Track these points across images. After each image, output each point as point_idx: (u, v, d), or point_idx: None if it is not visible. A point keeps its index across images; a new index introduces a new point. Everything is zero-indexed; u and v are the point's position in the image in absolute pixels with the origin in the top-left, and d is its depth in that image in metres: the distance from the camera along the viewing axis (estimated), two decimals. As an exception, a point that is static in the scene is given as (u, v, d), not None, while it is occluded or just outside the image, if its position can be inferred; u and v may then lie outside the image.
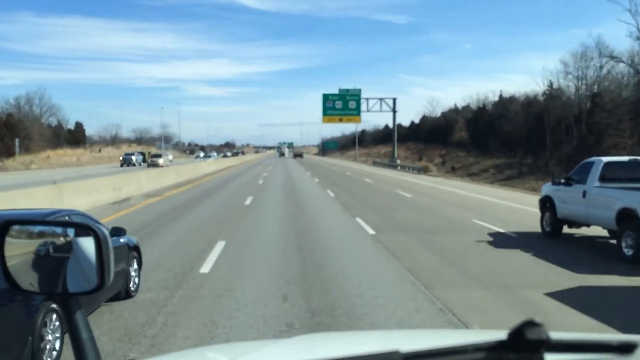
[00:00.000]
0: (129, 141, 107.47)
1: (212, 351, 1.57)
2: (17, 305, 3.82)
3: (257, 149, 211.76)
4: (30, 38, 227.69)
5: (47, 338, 4.03)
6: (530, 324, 0.83)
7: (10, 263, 1.22)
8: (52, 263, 1.25)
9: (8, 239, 1.22)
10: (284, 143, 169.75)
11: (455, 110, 77.56)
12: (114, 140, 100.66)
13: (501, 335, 0.85)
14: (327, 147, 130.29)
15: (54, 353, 4.13)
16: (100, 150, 77.60)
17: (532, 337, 0.82)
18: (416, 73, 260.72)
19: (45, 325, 4.02)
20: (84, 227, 1.20)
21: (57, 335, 4.16)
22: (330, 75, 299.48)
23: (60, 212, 5.21)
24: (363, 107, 57.60)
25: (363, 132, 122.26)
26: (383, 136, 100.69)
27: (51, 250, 1.25)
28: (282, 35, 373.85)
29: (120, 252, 5.96)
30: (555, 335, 0.85)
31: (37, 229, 1.31)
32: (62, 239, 1.25)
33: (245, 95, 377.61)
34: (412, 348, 0.87)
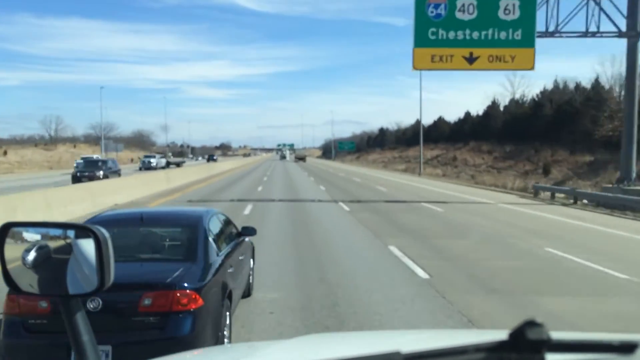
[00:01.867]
0: (81, 141, 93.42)
1: (215, 352, 1.78)
2: (216, 304, 4.59)
3: (248, 152, 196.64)
4: (29, 39, 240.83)
5: (224, 333, 4.77)
6: (531, 324, 0.91)
7: (10, 265, 1.36)
8: (52, 265, 1.40)
9: (8, 241, 1.37)
10: (284, 145, 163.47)
11: (544, 95, 56.62)
12: (54, 140, 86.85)
13: (502, 335, 0.93)
14: (341, 149, 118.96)
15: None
16: (5, 153, 59.90)
17: (533, 337, 0.90)
18: (415, 75, 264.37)
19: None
20: (84, 229, 1.34)
21: (227, 332, 4.97)
22: (330, 76, 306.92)
23: (210, 211, 5.92)
24: (540, 22, 20.63)
25: (382, 130, 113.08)
26: (414, 135, 79.30)
27: (51, 252, 1.39)
28: (281, 38, 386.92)
29: (248, 250, 6.68)
30: (556, 335, 0.93)
31: (37, 230, 1.46)
32: (62, 241, 1.39)
33: (245, 97, 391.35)
34: (413, 349, 0.96)
